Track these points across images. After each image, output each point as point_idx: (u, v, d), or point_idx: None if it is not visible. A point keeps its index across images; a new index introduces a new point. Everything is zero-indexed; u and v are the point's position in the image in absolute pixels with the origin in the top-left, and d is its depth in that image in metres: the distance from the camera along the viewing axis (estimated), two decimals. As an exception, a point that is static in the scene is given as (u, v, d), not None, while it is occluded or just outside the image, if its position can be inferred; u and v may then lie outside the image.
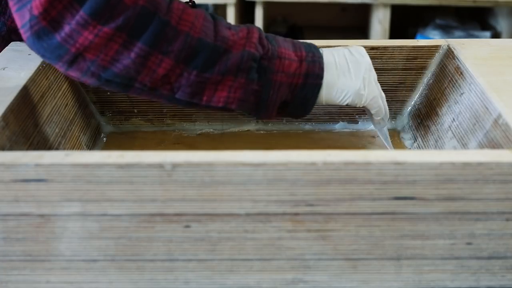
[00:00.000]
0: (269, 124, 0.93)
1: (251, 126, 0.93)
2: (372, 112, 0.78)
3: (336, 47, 0.77)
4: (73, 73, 0.65)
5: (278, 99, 0.72)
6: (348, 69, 0.75)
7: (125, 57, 0.64)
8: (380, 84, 0.92)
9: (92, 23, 0.62)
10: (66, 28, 0.62)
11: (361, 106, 0.77)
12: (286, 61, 0.71)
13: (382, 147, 0.88)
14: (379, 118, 0.80)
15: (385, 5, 2.11)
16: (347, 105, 0.76)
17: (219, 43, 0.67)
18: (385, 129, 0.84)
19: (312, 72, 0.72)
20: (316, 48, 0.74)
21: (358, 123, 0.94)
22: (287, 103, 0.73)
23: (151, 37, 0.64)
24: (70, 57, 0.64)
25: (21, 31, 0.63)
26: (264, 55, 0.70)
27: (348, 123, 0.94)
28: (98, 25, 0.62)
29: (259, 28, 0.72)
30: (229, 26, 0.70)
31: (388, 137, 0.84)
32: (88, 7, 0.61)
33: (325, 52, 0.75)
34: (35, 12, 0.61)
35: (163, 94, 0.68)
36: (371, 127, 0.93)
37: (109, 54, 0.64)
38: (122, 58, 0.64)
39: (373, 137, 0.92)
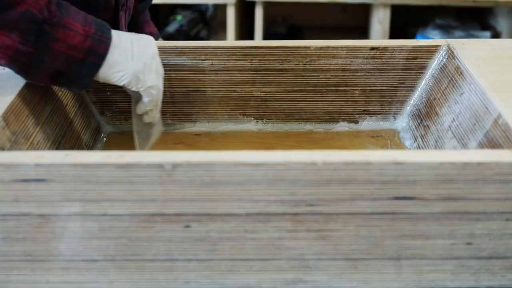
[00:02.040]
0: (269, 124, 0.93)
1: (251, 126, 0.93)
2: (145, 99, 0.78)
3: (125, 33, 0.78)
4: None
5: (51, 67, 0.72)
6: (131, 53, 0.75)
7: None
8: (380, 84, 0.92)
9: None
10: None
11: (137, 90, 0.76)
12: (70, 32, 0.71)
13: (382, 147, 0.88)
14: (149, 108, 0.79)
15: (385, 5, 2.11)
16: (123, 86, 0.76)
17: None
18: (152, 129, 0.83)
19: (96, 51, 0.72)
20: (108, 29, 0.74)
21: (358, 123, 0.94)
22: (62, 73, 0.73)
23: None
24: None
25: None
26: (48, 20, 0.70)
27: (348, 123, 0.94)
28: None
29: None
30: None
31: (150, 138, 0.84)
32: None
33: (112, 32, 0.75)
34: None
35: None
36: (371, 127, 0.93)
37: None
38: None
39: (373, 137, 0.92)
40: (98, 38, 0.72)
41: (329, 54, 0.90)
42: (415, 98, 0.92)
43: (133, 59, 0.75)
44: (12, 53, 0.69)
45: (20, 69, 0.72)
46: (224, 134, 0.93)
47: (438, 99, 0.86)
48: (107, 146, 0.90)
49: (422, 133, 0.88)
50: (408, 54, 0.89)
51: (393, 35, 2.16)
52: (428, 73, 0.90)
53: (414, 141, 0.89)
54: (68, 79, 0.73)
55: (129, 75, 0.75)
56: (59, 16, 0.70)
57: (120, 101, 0.91)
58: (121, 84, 0.75)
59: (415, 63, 0.90)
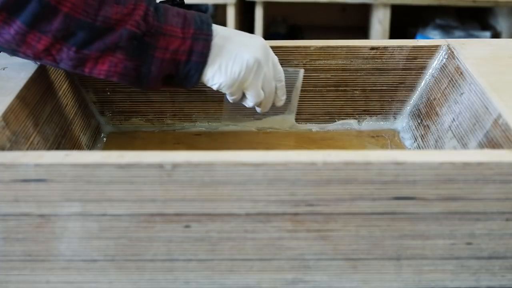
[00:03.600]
0: (269, 124, 0.93)
1: (251, 126, 0.93)
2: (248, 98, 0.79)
3: (234, 31, 0.78)
4: None
5: (161, 74, 0.73)
6: (229, 53, 0.75)
7: (6, 33, 0.68)
8: (380, 84, 0.92)
9: None
10: None
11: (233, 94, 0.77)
12: (170, 38, 0.72)
13: (382, 147, 0.88)
14: (251, 105, 0.80)
15: (385, 5, 2.11)
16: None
17: (99, 23, 0.69)
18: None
19: (196, 50, 0.73)
20: (208, 25, 0.74)
21: (358, 123, 0.94)
22: (172, 76, 0.75)
23: (29, 16, 0.67)
24: None
25: None
26: (147, 32, 0.71)
27: (348, 123, 0.94)
28: None
29: (148, 2, 0.72)
30: (117, 1, 0.70)
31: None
32: None
33: (219, 29, 0.75)
34: None
35: (49, 63, 0.72)
36: (371, 127, 0.93)
37: None
38: (3, 32, 0.68)
39: (373, 137, 0.92)
40: (197, 37, 0.73)
41: (329, 54, 0.90)
42: (415, 98, 0.92)
43: (233, 63, 0.75)
44: (121, 70, 0.71)
45: (132, 82, 0.73)
46: (224, 134, 0.93)
47: (438, 99, 0.86)
48: (107, 146, 0.90)
49: (422, 133, 0.88)
50: (408, 54, 0.89)
51: (393, 35, 2.16)
52: (428, 73, 0.90)
53: (414, 141, 0.89)
54: (180, 80, 0.75)
55: (224, 81, 0.75)
56: (157, 26, 0.71)
57: (120, 101, 0.91)
58: (216, 89, 0.76)
59: (415, 63, 0.90)
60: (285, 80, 0.82)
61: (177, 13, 0.73)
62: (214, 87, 0.76)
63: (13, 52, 0.70)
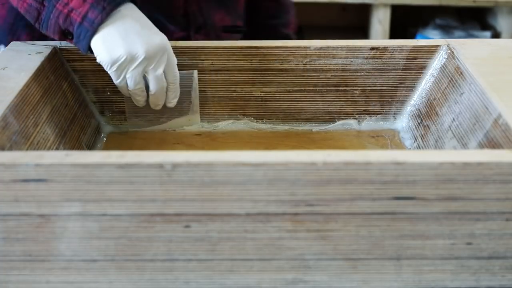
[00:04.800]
0: (269, 124, 0.93)
1: (251, 126, 0.93)
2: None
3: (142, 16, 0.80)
4: None
5: (57, 26, 0.78)
6: (125, 36, 0.77)
7: None
8: (380, 84, 0.92)
9: None
10: None
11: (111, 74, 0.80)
12: None
13: (382, 147, 0.88)
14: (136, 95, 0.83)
15: (385, 5, 2.11)
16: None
17: None
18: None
19: (90, 16, 0.76)
20: (115, 2, 0.77)
21: (358, 123, 0.94)
22: (69, 32, 0.78)
23: None
24: None
25: None
26: None
27: (348, 123, 0.94)
28: None
29: None
30: None
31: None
32: None
33: (130, 8, 0.78)
34: None
35: None
36: (371, 127, 0.93)
37: None
38: None
39: (373, 137, 0.92)
40: (96, 5, 0.76)
41: (329, 54, 0.90)
42: (415, 98, 0.92)
43: (122, 45, 0.76)
44: (26, 5, 0.78)
45: (33, 21, 0.79)
46: (224, 134, 0.93)
47: (438, 99, 0.86)
48: (107, 146, 0.90)
49: (422, 133, 0.88)
50: (408, 54, 0.89)
51: (393, 35, 2.16)
52: (428, 73, 0.90)
53: (414, 141, 0.89)
54: (75, 40, 0.78)
55: (107, 58, 0.77)
56: None
57: (120, 101, 0.91)
58: (98, 61, 0.78)
59: (415, 63, 0.90)
60: (183, 82, 0.85)
61: None
62: (97, 60, 0.78)
63: None
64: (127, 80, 0.79)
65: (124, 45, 0.76)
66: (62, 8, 0.76)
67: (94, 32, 0.76)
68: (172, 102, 0.85)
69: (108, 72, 0.79)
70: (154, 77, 0.80)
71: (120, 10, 0.77)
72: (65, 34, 0.79)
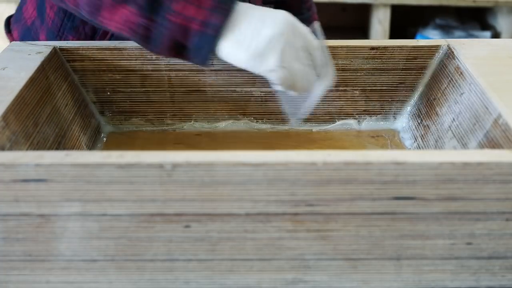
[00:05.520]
0: (269, 124, 0.93)
1: (251, 126, 0.93)
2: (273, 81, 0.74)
3: (259, 7, 0.73)
4: None
5: (171, 40, 0.71)
6: (255, 30, 0.70)
7: None
8: (380, 84, 0.92)
9: None
10: None
11: (258, 73, 0.73)
12: (187, 4, 0.69)
13: (382, 147, 0.88)
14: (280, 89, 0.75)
15: (385, 5, 2.11)
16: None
17: None
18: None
19: (212, 22, 0.69)
20: (230, 1, 0.70)
21: (358, 123, 0.94)
22: (184, 46, 0.72)
23: None
24: None
25: None
26: None
27: (348, 123, 0.94)
28: None
29: None
30: None
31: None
32: None
33: (243, 5, 0.71)
34: None
35: (73, 9, 0.74)
36: (371, 127, 0.93)
37: None
38: None
39: (373, 137, 0.92)
40: (216, 9, 0.69)
41: (329, 54, 0.90)
42: (415, 98, 0.92)
43: (254, 38, 0.70)
44: (132, 25, 0.70)
45: (141, 41, 0.72)
46: (224, 134, 0.93)
47: (438, 99, 0.86)
48: (107, 146, 0.90)
49: (422, 133, 0.88)
50: (408, 54, 0.89)
51: (393, 35, 2.16)
52: (428, 73, 0.90)
53: (414, 141, 0.89)
54: (190, 52, 0.72)
55: (245, 56, 0.71)
56: None
57: (120, 101, 0.91)
58: (238, 65, 0.72)
59: (415, 63, 0.90)
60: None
61: None
62: (234, 63, 0.72)
63: None
64: (291, 64, 0.71)
65: (260, 36, 0.70)
66: (175, 19, 0.69)
67: (219, 37, 0.70)
68: (325, 72, 0.76)
69: (259, 72, 0.72)
70: (295, 54, 0.72)
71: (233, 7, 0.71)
72: (178, 49, 0.72)
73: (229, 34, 0.70)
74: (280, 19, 0.71)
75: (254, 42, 0.70)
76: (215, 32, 0.70)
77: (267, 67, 0.72)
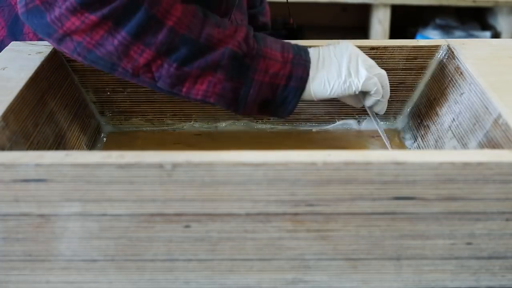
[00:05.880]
0: (269, 124, 0.93)
1: (251, 126, 0.93)
2: (371, 93, 0.78)
3: (323, 48, 0.78)
4: (64, 50, 0.71)
5: (258, 98, 0.73)
6: (331, 64, 0.75)
7: (109, 43, 0.67)
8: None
9: (80, 11, 0.66)
10: (56, 11, 0.67)
11: (354, 92, 0.77)
12: (270, 61, 0.72)
13: (382, 147, 0.88)
14: (377, 98, 0.79)
15: (385, 5, 2.11)
16: (338, 96, 0.77)
17: (203, 40, 0.69)
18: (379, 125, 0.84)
19: (296, 75, 0.73)
20: (305, 52, 0.75)
21: (358, 123, 0.94)
22: (269, 102, 0.74)
23: (135, 28, 0.67)
24: (59, 36, 0.69)
25: (18, 6, 0.69)
26: (247, 53, 0.71)
27: (348, 123, 0.94)
28: (86, 12, 0.66)
29: (249, 27, 0.73)
30: (218, 24, 0.71)
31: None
32: None
33: (311, 51, 0.76)
34: None
35: (146, 81, 0.71)
36: (371, 127, 0.93)
37: (94, 38, 0.68)
38: (106, 43, 0.68)
39: (373, 137, 0.92)
40: (297, 61, 0.73)
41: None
42: (415, 98, 0.92)
43: (333, 69, 0.75)
44: (219, 91, 0.71)
45: (229, 104, 0.74)
46: (224, 134, 0.93)
47: (438, 99, 0.86)
48: (107, 146, 0.90)
49: (422, 133, 0.88)
50: (408, 54, 0.89)
51: (393, 35, 2.16)
52: (428, 73, 0.90)
53: (414, 141, 0.89)
54: (276, 106, 0.75)
55: (335, 85, 0.75)
56: (257, 48, 0.72)
57: (120, 101, 0.91)
58: (335, 96, 0.76)
59: (415, 63, 0.90)
60: None
61: (275, 40, 0.75)
62: (324, 98, 0.76)
63: (112, 66, 0.70)
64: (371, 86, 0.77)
65: (342, 59, 0.75)
66: (262, 78, 0.72)
67: (304, 87, 0.74)
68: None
69: (356, 88, 0.76)
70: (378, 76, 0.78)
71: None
72: (264, 105, 0.75)
73: (311, 82, 0.74)
74: (345, 43, 0.77)
75: (341, 68, 0.75)
76: (299, 84, 0.73)
77: (362, 78, 0.76)
